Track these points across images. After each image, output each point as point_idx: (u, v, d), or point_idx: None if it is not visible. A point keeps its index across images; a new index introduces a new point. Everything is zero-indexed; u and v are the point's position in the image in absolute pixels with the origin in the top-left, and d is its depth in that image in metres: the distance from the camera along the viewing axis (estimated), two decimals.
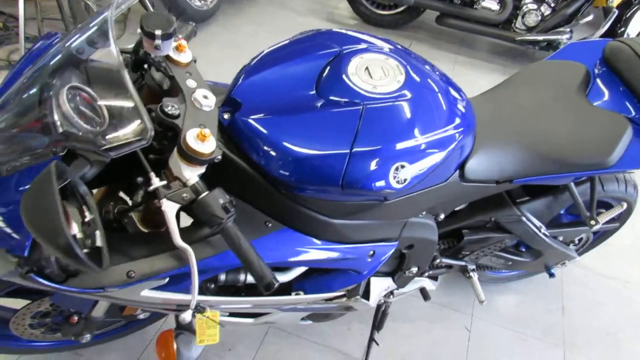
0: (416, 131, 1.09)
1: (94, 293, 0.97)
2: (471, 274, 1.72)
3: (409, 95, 1.12)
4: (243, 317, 1.38)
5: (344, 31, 1.29)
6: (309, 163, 1.03)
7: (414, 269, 1.53)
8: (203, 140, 0.93)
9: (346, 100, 1.09)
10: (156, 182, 0.94)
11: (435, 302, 2.08)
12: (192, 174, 0.95)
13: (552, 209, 1.62)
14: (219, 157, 0.97)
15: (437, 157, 1.12)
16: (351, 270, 1.30)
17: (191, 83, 1.07)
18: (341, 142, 1.04)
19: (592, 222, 1.57)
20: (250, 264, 0.95)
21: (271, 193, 1.11)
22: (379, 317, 1.73)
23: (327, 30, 1.30)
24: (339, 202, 1.12)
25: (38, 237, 0.75)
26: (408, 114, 1.09)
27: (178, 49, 1.10)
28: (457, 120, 1.17)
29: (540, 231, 1.62)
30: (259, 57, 1.22)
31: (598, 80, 1.50)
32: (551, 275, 1.91)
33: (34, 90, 0.97)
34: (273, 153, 1.05)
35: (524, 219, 1.58)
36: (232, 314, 1.37)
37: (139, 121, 0.89)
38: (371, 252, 1.29)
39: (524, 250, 1.77)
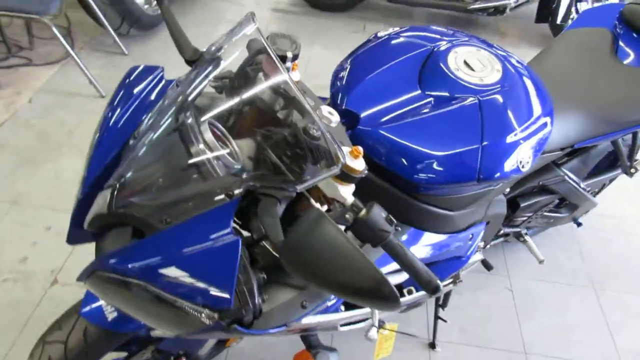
0: (528, 115, 1.14)
1: (277, 332, 0.94)
2: (526, 237, 1.83)
3: (511, 82, 1.17)
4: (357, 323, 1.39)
5: (425, 28, 1.31)
6: (444, 163, 1.06)
7: (481, 244, 1.61)
8: (357, 157, 0.92)
9: (458, 95, 1.12)
10: (318, 207, 0.92)
11: (471, 272, 2.19)
12: (348, 193, 0.94)
13: (587, 164, 1.76)
14: (366, 171, 0.96)
15: (544, 135, 1.18)
16: (455, 257, 1.35)
17: (309, 101, 1.05)
18: (470, 138, 1.07)
19: (632, 171, 1.73)
20: (418, 270, 0.96)
21: (397, 196, 1.13)
22: (443, 296, 1.81)
23: (409, 28, 1.31)
24: (462, 195, 1.16)
25: (356, 293, 0.73)
26: (518, 100, 1.15)
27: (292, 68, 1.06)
28: (547, 98, 1.24)
29: (580, 187, 1.76)
30: (350, 64, 1.21)
31: (621, 42, 1.64)
32: (579, 224, 2.08)
33: (175, 134, 0.91)
34: (407, 158, 1.06)
35: (566, 178, 1.71)
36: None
37: (328, 149, 0.86)
38: (470, 236, 1.35)
39: (562, 206, 1.92)
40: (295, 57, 1.00)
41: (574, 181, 1.74)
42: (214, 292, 0.80)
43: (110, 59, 3.18)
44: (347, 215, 0.93)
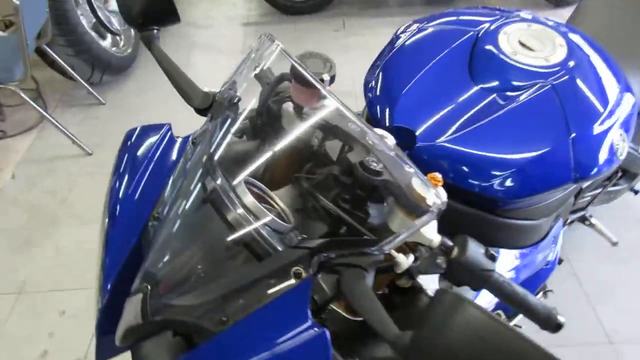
0: (609, 92, 0.95)
1: None
2: (592, 220, 1.65)
3: (579, 57, 0.98)
4: None
5: (452, 13, 1.11)
6: (531, 168, 0.86)
7: None
8: (436, 186, 0.71)
9: (524, 84, 0.93)
10: (404, 260, 0.72)
11: None
12: (432, 232, 0.74)
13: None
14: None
15: (630, 112, 0.99)
16: (541, 268, 1.16)
17: (353, 127, 0.85)
18: (555, 132, 0.88)
19: None
20: (532, 307, 0.77)
21: (477, 218, 0.93)
22: None
23: (430, 17, 1.11)
24: (551, 200, 0.97)
25: None
26: (594, 77, 0.96)
27: None
28: (618, 67, 1.05)
29: (638, 153, 1.58)
30: (383, 72, 1.02)
31: None
32: (637, 192, 1.90)
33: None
34: (485, 171, 0.87)
35: None
36: None
37: (423, 195, 0.66)
38: (552, 239, 1.16)
39: (621, 177, 1.74)
40: (332, 80, 0.81)
41: (633, 147, 1.55)
42: None
43: (88, 112, 2.96)
44: (438, 260, 0.74)
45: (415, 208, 0.68)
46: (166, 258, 0.71)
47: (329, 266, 0.68)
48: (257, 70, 0.84)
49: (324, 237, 0.74)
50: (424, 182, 0.67)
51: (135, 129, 0.89)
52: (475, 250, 0.73)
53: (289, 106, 0.88)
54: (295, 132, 0.79)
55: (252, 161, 0.76)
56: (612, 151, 0.91)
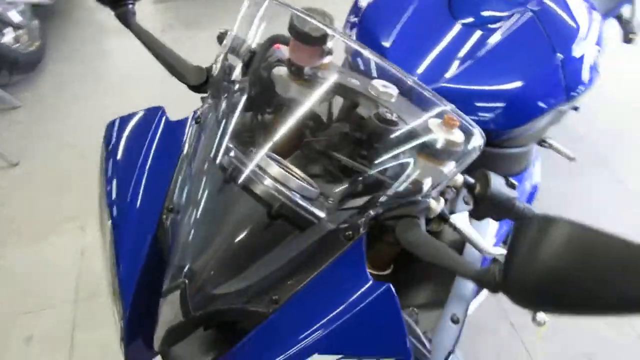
0: (583, 12, 0.98)
1: None
2: (549, 141, 1.73)
3: None
4: None
5: None
6: (529, 93, 0.88)
7: None
8: (452, 127, 0.71)
9: (504, 13, 0.93)
10: (435, 204, 0.72)
11: None
12: (453, 171, 0.74)
13: None
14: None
15: (600, 28, 1.03)
16: (531, 190, 1.21)
17: (353, 81, 0.82)
18: (543, 57, 0.90)
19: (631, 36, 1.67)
20: None
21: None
22: None
23: None
24: (539, 126, 1.00)
25: None
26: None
27: None
28: None
29: None
30: (367, 24, 0.98)
31: None
32: (577, 109, 2.02)
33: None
34: (489, 104, 0.87)
35: None
36: None
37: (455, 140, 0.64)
38: (533, 164, 1.21)
39: None
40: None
41: None
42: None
43: (4, 117, 2.68)
44: (464, 198, 0.74)
45: (448, 152, 0.67)
46: (196, 248, 0.66)
47: (380, 222, 0.65)
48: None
49: (356, 195, 0.72)
50: (458, 119, 0.66)
51: (115, 120, 0.80)
52: (497, 182, 0.74)
53: (280, 70, 0.83)
54: (304, 97, 0.74)
55: (264, 133, 0.72)
56: (594, 67, 0.95)
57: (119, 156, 0.75)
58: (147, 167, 0.74)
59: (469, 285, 0.79)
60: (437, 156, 0.70)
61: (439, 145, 0.69)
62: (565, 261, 0.45)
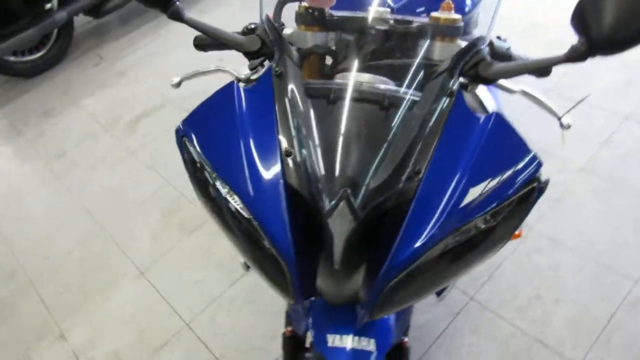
0: None
1: None
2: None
3: None
4: None
5: None
6: None
7: None
8: (450, 10, 0.94)
9: None
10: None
11: None
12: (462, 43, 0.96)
13: None
14: None
15: None
16: None
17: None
18: None
19: None
20: (542, 62, 0.82)
21: None
22: None
23: None
24: None
25: None
26: None
27: None
28: None
29: None
30: None
31: None
32: None
33: None
34: None
35: None
36: None
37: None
38: None
39: None
40: None
41: None
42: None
43: None
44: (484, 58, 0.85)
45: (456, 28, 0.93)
46: (338, 162, 0.75)
47: (467, 75, 0.83)
48: None
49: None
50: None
51: (186, 119, 0.86)
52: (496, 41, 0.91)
53: (287, 31, 1.05)
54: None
55: (339, 62, 0.98)
56: None
57: (215, 139, 0.81)
58: (250, 132, 0.79)
59: None
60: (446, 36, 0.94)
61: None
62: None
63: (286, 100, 0.80)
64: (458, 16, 0.92)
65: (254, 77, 0.93)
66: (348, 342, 0.91)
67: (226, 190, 0.78)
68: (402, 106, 0.79)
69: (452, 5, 0.92)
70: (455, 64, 0.81)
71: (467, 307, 1.64)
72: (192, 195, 2.24)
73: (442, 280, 0.79)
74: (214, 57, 3.05)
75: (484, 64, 0.82)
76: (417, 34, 0.98)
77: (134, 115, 2.91)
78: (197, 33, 0.98)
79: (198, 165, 0.82)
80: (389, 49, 0.99)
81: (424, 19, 0.99)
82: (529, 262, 1.73)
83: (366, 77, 0.83)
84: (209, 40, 1.01)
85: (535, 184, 0.75)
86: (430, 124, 0.76)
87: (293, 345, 1.23)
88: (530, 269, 1.71)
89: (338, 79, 0.86)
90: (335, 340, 0.91)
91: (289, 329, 1.18)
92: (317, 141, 0.77)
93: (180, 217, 2.22)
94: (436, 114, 0.77)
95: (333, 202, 0.73)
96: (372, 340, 0.92)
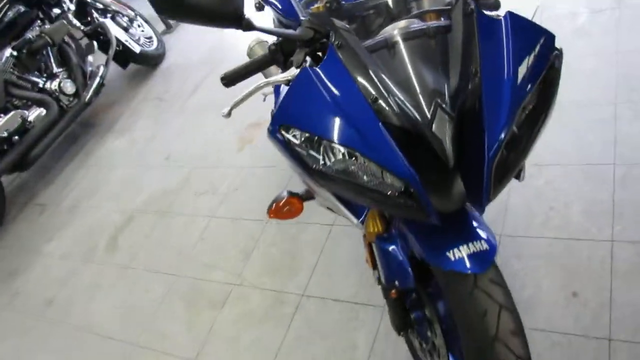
0: None
1: None
2: None
3: None
4: None
5: None
6: None
7: None
8: None
9: None
10: None
11: None
12: None
13: None
14: None
15: None
16: None
17: None
18: None
19: None
20: None
21: None
22: None
23: None
24: None
25: None
26: None
27: None
28: None
29: None
30: None
31: None
32: None
33: None
34: None
35: None
36: None
37: None
38: None
39: None
40: None
41: None
42: None
43: None
44: None
45: None
46: (418, 85, 0.94)
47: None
48: None
49: None
50: None
51: (275, 118, 1.00)
52: None
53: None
54: None
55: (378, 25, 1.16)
56: None
57: (313, 114, 0.95)
58: (338, 96, 0.94)
59: None
60: None
61: None
62: None
63: (355, 61, 0.97)
64: None
65: (293, 73, 1.08)
66: (465, 250, 1.04)
67: (342, 149, 0.92)
68: (442, 31, 0.99)
69: None
70: None
71: (502, 243, 1.82)
72: (209, 273, 2.27)
73: (524, 153, 0.97)
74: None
75: None
76: None
77: (109, 236, 2.87)
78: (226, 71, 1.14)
79: (304, 142, 0.96)
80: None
81: None
82: (529, 188, 1.97)
83: (402, 23, 1.03)
84: (236, 74, 1.15)
85: (556, 51, 0.98)
86: (468, 35, 0.97)
87: (402, 306, 1.33)
88: (532, 193, 1.95)
89: (384, 33, 1.04)
90: (455, 253, 1.04)
91: (393, 291, 1.28)
92: (395, 79, 0.95)
93: (204, 297, 2.22)
94: (469, 27, 0.97)
95: (430, 113, 0.90)
96: (482, 241, 1.06)
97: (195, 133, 3.40)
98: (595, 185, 1.87)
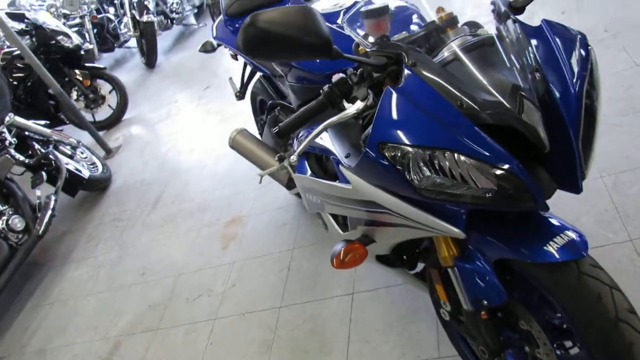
0: None
1: None
2: None
3: None
4: None
5: None
6: None
7: None
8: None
9: None
10: None
11: None
12: None
13: None
14: None
15: None
16: None
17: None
18: None
19: None
20: None
21: None
22: None
23: None
24: None
25: None
26: None
27: None
28: None
29: None
30: None
31: None
32: None
33: None
34: None
35: None
36: None
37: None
38: None
39: None
40: None
41: None
42: None
43: None
44: None
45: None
46: (496, 86, 1.01)
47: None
48: None
49: None
50: None
51: (369, 142, 1.04)
52: None
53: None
54: None
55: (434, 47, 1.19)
56: None
57: (409, 129, 1.00)
58: (427, 108, 1.00)
59: None
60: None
61: None
62: None
63: (432, 74, 1.03)
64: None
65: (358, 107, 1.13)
66: (560, 241, 1.07)
67: (448, 154, 0.96)
68: (491, 42, 1.10)
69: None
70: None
71: None
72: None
73: (594, 133, 1.06)
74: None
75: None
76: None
77: None
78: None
79: (412, 154, 0.98)
80: None
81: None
82: None
83: (457, 41, 1.11)
84: (291, 126, 1.18)
85: (590, 47, 1.11)
86: (518, 41, 1.10)
87: (495, 327, 1.29)
88: None
89: (448, 49, 1.11)
90: (553, 246, 1.06)
91: (482, 312, 1.25)
92: (472, 84, 1.02)
93: None
94: (516, 35, 1.10)
95: (518, 104, 0.97)
96: (569, 231, 1.10)
97: (170, 244, 3.24)
98: (594, 197, 2.01)
